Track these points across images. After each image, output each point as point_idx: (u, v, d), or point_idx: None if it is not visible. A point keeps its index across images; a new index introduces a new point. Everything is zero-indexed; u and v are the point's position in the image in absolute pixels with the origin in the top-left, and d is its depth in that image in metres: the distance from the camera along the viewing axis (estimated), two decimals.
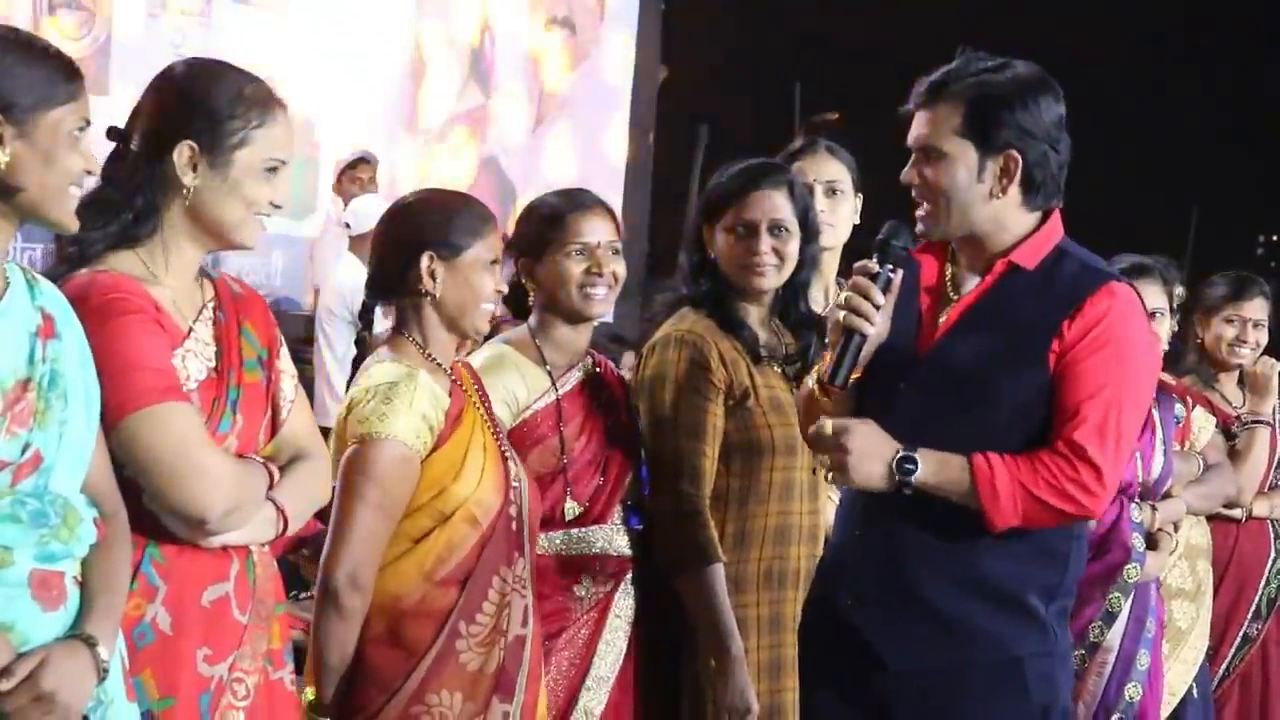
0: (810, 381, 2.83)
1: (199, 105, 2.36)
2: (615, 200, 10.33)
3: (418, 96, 9.80)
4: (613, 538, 3.11)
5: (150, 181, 2.36)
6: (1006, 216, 2.70)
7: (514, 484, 2.80)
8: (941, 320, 2.74)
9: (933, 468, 2.63)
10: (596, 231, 3.12)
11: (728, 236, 3.28)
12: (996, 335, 2.68)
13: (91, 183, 2.28)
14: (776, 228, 3.25)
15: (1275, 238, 22.73)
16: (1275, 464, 4.71)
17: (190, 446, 2.25)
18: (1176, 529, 4.22)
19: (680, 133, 12.25)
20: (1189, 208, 15.57)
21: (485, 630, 2.71)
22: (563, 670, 3.06)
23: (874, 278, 2.67)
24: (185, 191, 2.36)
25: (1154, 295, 4.07)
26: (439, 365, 2.79)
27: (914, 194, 2.76)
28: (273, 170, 2.41)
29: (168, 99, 2.39)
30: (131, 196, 2.35)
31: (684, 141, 12.40)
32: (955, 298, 2.75)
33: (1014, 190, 2.68)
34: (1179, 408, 4.30)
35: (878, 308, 2.66)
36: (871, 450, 2.64)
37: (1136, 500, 4.03)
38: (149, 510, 2.28)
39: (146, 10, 8.02)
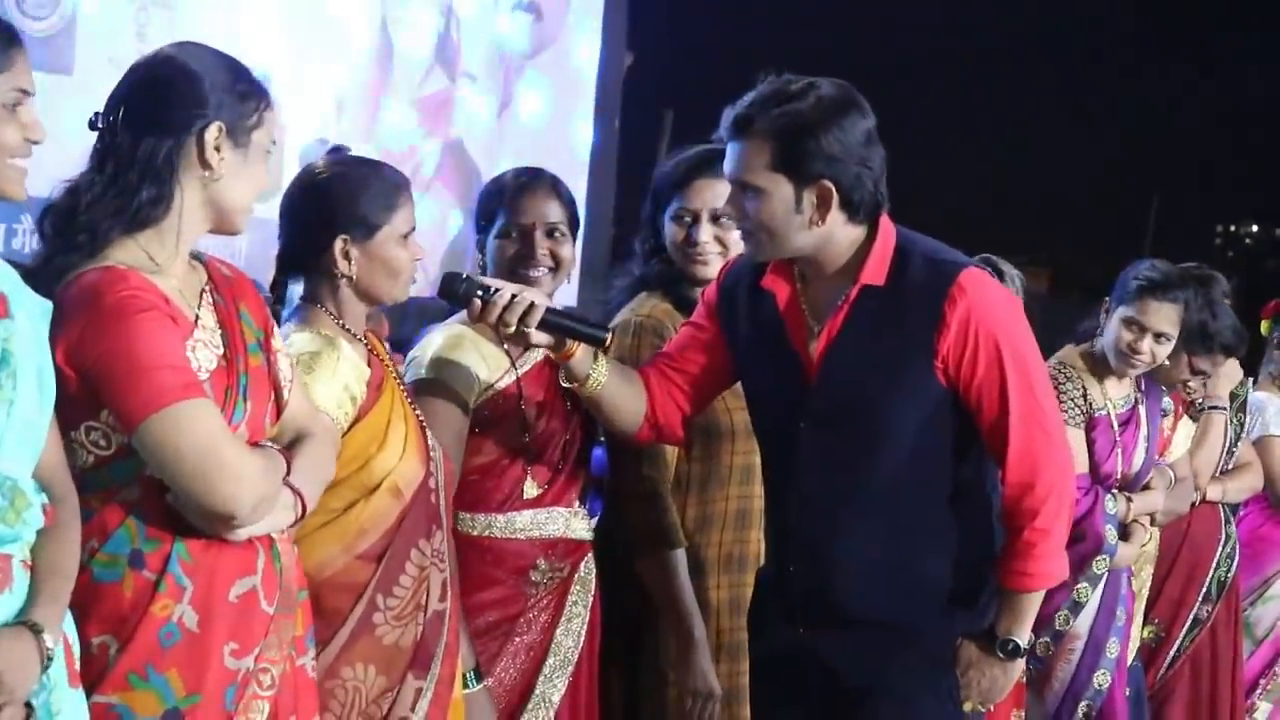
0: None
1: (220, 86, 2.35)
2: (580, 185, 10.33)
3: (382, 80, 9.78)
4: (571, 521, 3.10)
5: (169, 163, 2.32)
6: (833, 235, 2.74)
7: (432, 454, 2.77)
8: (813, 351, 2.79)
9: (1018, 624, 2.82)
10: (534, 211, 3.07)
11: (672, 224, 3.30)
12: (872, 358, 2.74)
13: (47, 156, 2.26)
14: (718, 216, 3.26)
15: (1234, 228, 22.93)
16: (1225, 448, 4.78)
17: (214, 443, 2.24)
18: (1153, 521, 4.25)
19: (646, 119, 12.26)
20: (1149, 197, 15.68)
21: (403, 604, 2.68)
22: (519, 658, 3.05)
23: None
24: (209, 173, 2.34)
25: (1170, 321, 4.05)
26: (354, 335, 2.75)
27: (736, 224, 2.84)
28: (269, 152, 2.42)
29: (182, 81, 2.34)
30: (143, 180, 2.31)
31: (650, 127, 12.41)
32: (818, 327, 2.80)
33: (834, 214, 2.71)
34: (1167, 400, 4.31)
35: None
36: (1001, 685, 2.86)
37: (1113, 491, 4.07)
38: (174, 507, 2.27)
39: None
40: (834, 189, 2.69)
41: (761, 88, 2.73)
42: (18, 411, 2.09)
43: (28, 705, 2.06)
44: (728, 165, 2.76)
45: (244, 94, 2.37)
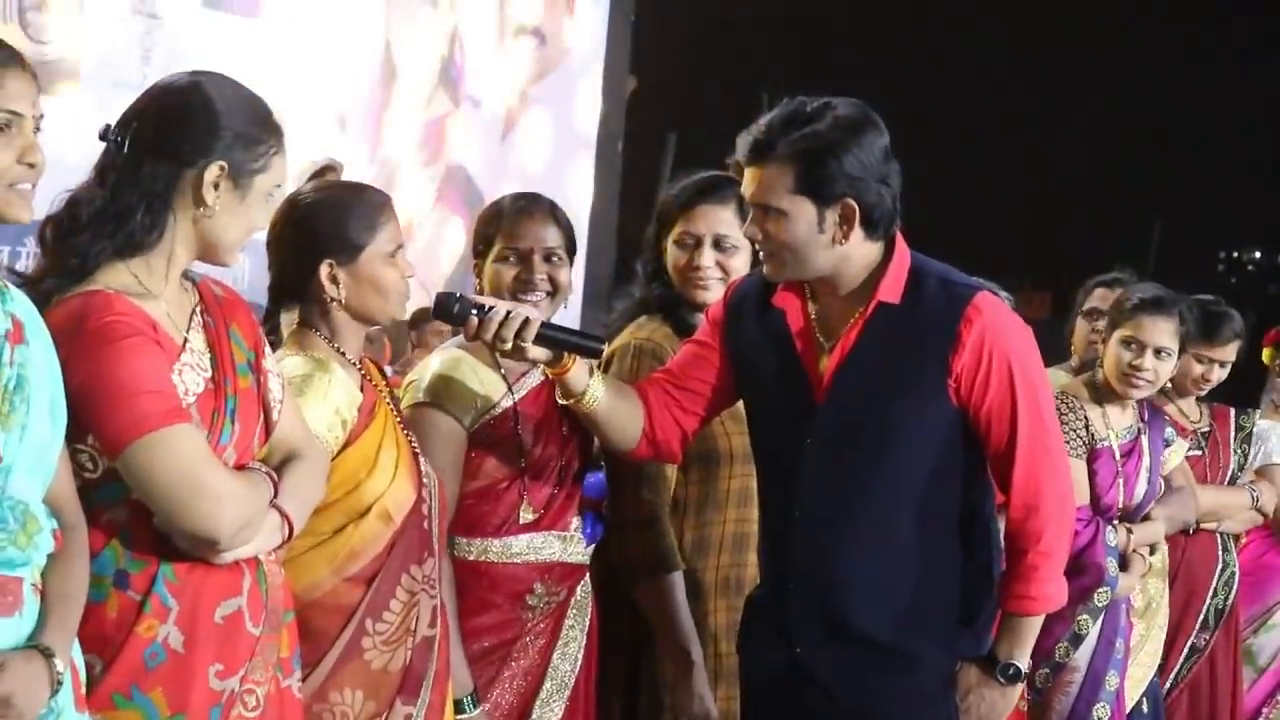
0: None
1: (232, 126, 2.35)
2: (583, 210, 10.36)
3: (386, 104, 9.81)
4: (567, 545, 3.10)
5: (167, 191, 2.33)
6: (852, 254, 2.77)
7: (425, 481, 2.78)
8: (823, 369, 2.81)
9: (1020, 648, 2.83)
10: (532, 236, 3.08)
11: (675, 248, 3.31)
12: (886, 376, 2.76)
13: (54, 180, 2.26)
14: (720, 242, 3.27)
15: (1237, 254, 22.94)
16: (1224, 479, 4.78)
17: (196, 469, 2.24)
18: (1153, 551, 4.24)
19: (649, 142, 12.29)
20: (1151, 222, 15.69)
21: (392, 629, 2.68)
22: (515, 682, 3.04)
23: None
24: (203, 210, 2.34)
25: (1168, 335, 4.05)
26: (348, 360, 2.76)
27: (756, 245, 2.85)
28: (271, 196, 2.42)
29: (196, 113, 2.35)
30: (140, 203, 2.32)
31: (653, 151, 12.44)
32: (828, 344, 2.82)
33: (855, 233, 2.74)
34: (1170, 430, 4.31)
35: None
36: (1000, 711, 2.86)
37: (1114, 523, 4.07)
38: (160, 530, 2.28)
39: (115, 15, 7.99)
40: (856, 207, 2.71)
41: (777, 110, 2.75)
42: (30, 436, 2.10)
43: None
44: (748, 189, 2.78)
45: (255, 138, 2.37)
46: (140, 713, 2.27)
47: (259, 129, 2.38)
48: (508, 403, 3.04)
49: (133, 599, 2.28)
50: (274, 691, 2.41)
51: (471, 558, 3.02)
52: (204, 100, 2.36)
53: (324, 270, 2.72)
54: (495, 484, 3.02)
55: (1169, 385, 4.47)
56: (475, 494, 3.02)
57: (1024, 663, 2.84)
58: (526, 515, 3.05)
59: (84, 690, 2.21)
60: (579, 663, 3.11)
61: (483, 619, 3.00)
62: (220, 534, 2.27)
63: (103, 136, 2.37)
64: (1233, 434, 4.80)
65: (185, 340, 2.36)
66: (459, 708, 2.89)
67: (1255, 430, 4.86)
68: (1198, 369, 4.59)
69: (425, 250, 9.54)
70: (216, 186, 2.34)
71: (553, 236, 3.10)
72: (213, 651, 2.31)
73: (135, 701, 2.27)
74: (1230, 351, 4.63)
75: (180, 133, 2.34)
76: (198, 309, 2.42)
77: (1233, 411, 4.85)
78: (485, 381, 3.04)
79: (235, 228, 2.39)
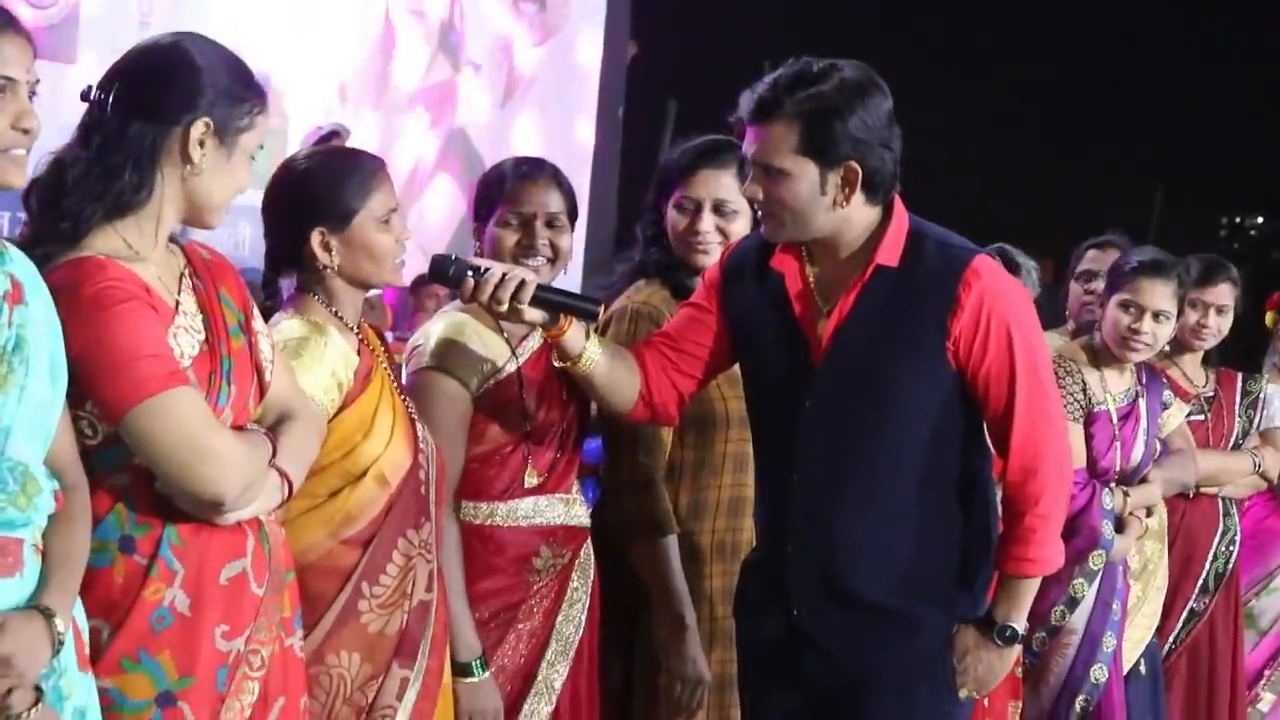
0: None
1: (217, 83, 2.35)
2: (583, 176, 10.33)
3: (386, 68, 9.79)
4: (570, 507, 3.11)
5: (154, 150, 2.32)
6: (852, 217, 2.77)
7: (422, 446, 2.78)
8: (822, 332, 2.81)
9: (1017, 610, 2.84)
10: (534, 201, 3.07)
11: (675, 212, 3.31)
12: (884, 339, 2.76)
13: (52, 145, 2.27)
14: (720, 207, 3.27)
15: (1239, 220, 22.89)
16: (1228, 444, 4.78)
17: (199, 431, 2.25)
18: (1150, 513, 4.25)
19: (650, 108, 12.25)
20: (1152, 189, 15.64)
21: (389, 592, 2.69)
22: (521, 644, 3.06)
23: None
24: (189, 167, 2.34)
25: (1167, 298, 4.05)
26: (346, 324, 2.76)
27: (756, 205, 2.84)
28: (252, 157, 2.42)
29: (181, 71, 2.35)
30: (127, 163, 2.31)
31: (653, 117, 12.40)
32: (826, 306, 2.82)
33: (856, 196, 2.73)
34: (1167, 394, 4.32)
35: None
36: (997, 672, 2.86)
37: (1110, 486, 4.08)
38: (163, 493, 2.29)
39: None
40: (859, 170, 2.71)
41: (783, 70, 2.74)
42: (29, 397, 2.11)
43: (37, 689, 2.08)
44: (750, 147, 2.77)
45: (239, 95, 2.37)
46: (148, 676, 2.29)
47: (243, 87, 2.39)
48: (512, 367, 3.04)
49: (138, 563, 2.30)
50: (278, 651, 2.43)
51: (478, 522, 3.03)
52: (187, 58, 2.36)
53: (316, 238, 2.72)
54: (500, 448, 3.03)
55: (1166, 349, 4.47)
56: (480, 458, 3.02)
57: (1021, 624, 2.85)
58: (531, 479, 3.06)
59: (87, 651, 2.22)
60: (583, 625, 3.13)
61: (488, 583, 3.01)
62: (226, 496, 2.28)
63: (84, 97, 2.37)
64: (1238, 399, 4.80)
65: (177, 303, 2.36)
66: (468, 670, 2.91)
67: (1261, 395, 4.86)
68: (1193, 316, 4.58)
69: (425, 215, 9.54)
70: (202, 144, 2.34)
71: (555, 201, 3.09)
72: (218, 613, 2.33)
73: (143, 665, 2.29)
74: (1224, 294, 4.61)
75: (165, 91, 2.34)
76: (186, 272, 2.42)
77: (1240, 376, 4.85)
78: (489, 345, 3.04)
79: (221, 186, 2.39)
